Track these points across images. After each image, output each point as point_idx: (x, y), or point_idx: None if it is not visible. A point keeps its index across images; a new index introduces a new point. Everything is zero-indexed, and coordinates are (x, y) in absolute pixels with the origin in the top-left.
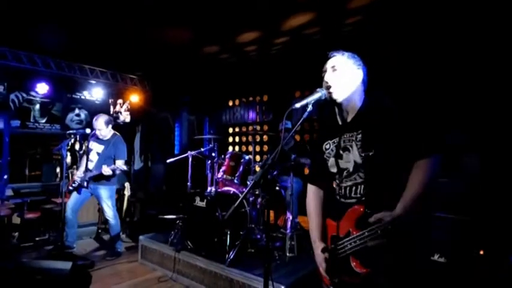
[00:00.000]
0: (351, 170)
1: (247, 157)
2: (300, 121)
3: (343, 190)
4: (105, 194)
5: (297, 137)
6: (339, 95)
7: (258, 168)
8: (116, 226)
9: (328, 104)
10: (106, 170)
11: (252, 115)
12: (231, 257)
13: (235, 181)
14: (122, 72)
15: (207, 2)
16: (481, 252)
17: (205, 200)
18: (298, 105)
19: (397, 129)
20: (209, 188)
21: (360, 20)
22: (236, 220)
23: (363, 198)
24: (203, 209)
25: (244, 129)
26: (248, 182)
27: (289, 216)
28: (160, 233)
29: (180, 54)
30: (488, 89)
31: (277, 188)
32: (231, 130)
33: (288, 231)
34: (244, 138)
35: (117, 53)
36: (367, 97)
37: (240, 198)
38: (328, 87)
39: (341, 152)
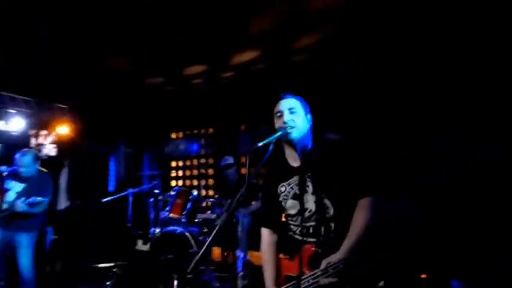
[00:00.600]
0: (313, 210)
1: (195, 193)
2: (264, 160)
3: (304, 229)
4: (26, 242)
5: (243, 170)
6: (297, 135)
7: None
8: (31, 282)
9: (276, 147)
10: (19, 206)
11: (196, 148)
12: None
13: (183, 220)
14: (50, 101)
15: (152, 34)
16: (423, 276)
17: (149, 243)
18: (261, 143)
19: (342, 169)
20: (152, 229)
21: (305, 60)
22: (184, 263)
23: (320, 239)
24: (147, 253)
25: (188, 162)
26: (196, 220)
27: (240, 254)
28: (93, 285)
29: (119, 84)
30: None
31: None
32: (174, 164)
33: (239, 270)
34: (188, 173)
35: (44, 79)
36: (314, 138)
37: (203, 249)
38: (290, 128)
39: (298, 192)
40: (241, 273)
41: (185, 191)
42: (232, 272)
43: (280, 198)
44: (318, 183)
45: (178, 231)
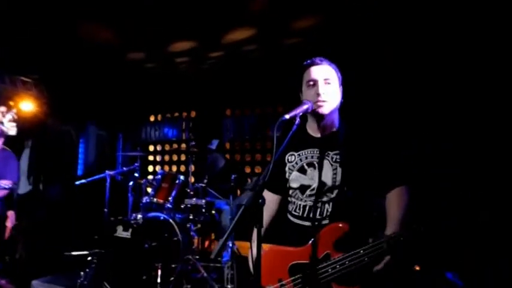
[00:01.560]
0: (316, 188)
1: (182, 178)
2: (290, 134)
3: (300, 209)
4: None
5: (237, 157)
6: (328, 110)
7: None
8: None
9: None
10: None
11: (177, 132)
12: None
13: (168, 205)
14: (12, 73)
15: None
16: (417, 268)
17: (130, 230)
18: (287, 116)
19: (375, 155)
20: (134, 215)
21: (300, 42)
22: (168, 251)
23: (327, 220)
24: (128, 240)
25: (167, 147)
26: (182, 206)
27: (228, 243)
28: (61, 274)
29: (94, 57)
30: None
31: (213, 211)
32: (151, 148)
33: (225, 259)
34: (167, 157)
35: (5, 48)
36: (341, 116)
37: (229, 230)
38: (322, 101)
39: (306, 166)
40: (228, 263)
41: (172, 175)
42: (218, 261)
43: (286, 168)
44: (343, 163)
45: (162, 217)
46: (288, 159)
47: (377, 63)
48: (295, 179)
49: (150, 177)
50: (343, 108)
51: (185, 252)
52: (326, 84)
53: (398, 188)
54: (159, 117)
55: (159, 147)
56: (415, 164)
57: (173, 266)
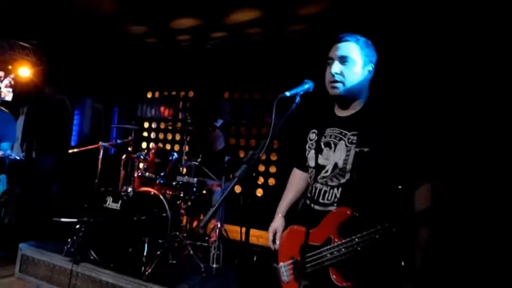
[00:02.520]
0: (330, 170)
1: (176, 154)
2: (288, 113)
3: (314, 192)
4: None
5: (232, 141)
6: (341, 91)
7: (184, 170)
8: None
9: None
10: None
11: (174, 111)
12: (150, 270)
13: (160, 181)
14: (11, 37)
15: None
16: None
17: (120, 201)
18: (288, 93)
19: (400, 143)
20: (125, 187)
21: (305, 29)
22: (156, 226)
23: (334, 206)
24: (116, 211)
25: (162, 125)
26: (174, 183)
27: (218, 224)
28: (49, 241)
29: (96, 27)
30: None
31: (204, 191)
32: (146, 125)
33: (213, 239)
34: (162, 135)
35: (4, 10)
36: (371, 94)
37: (221, 198)
38: (333, 82)
39: (322, 146)
40: (216, 243)
41: (165, 151)
42: (205, 241)
43: (307, 146)
44: (359, 144)
45: (152, 192)
46: (309, 137)
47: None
48: (311, 158)
49: (144, 151)
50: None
51: (173, 229)
52: (342, 64)
53: (426, 185)
54: (157, 94)
55: (154, 125)
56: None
57: (160, 241)
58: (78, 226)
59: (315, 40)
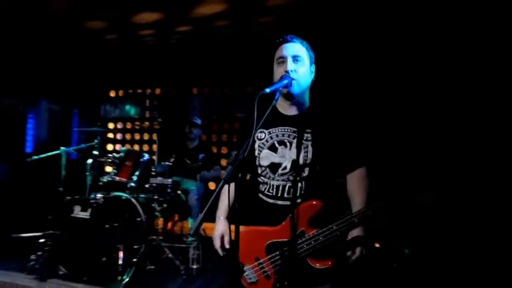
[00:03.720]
0: (288, 166)
1: (147, 156)
2: (268, 110)
3: (274, 189)
4: None
5: (203, 137)
6: (298, 90)
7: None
8: None
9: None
10: None
11: (140, 109)
12: (128, 278)
13: (132, 184)
14: None
15: None
16: (377, 245)
17: (89, 210)
18: (268, 90)
19: (342, 136)
20: (93, 194)
21: (273, 21)
22: (130, 232)
23: (300, 199)
24: (86, 221)
25: (129, 125)
26: (147, 185)
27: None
28: (9, 259)
29: (47, 24)
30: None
31: (178, 191)
32: (111, 126)
33: (190, 239)
34: (129, 136)
35: None
36: (311, 95)
37: (208, 204)
38: (291, 79)
39: (276, 145)
40: (194, 244)
41: (136, 153)
42: (182, 242)
43: (256, 145)
44: (316, 142)
45: (124, 197)
46: (257, 137)
47: (348, 44)
48: (265, 157)
49: (112, 154)
50: (313, 88)
51: (148, 233)
52: (295, 62)
53: (360, 169)
54: (120, 93)
55: (119, 125)
56: (372, 146)
57: (136, 247)
58: (42, 240)
59: (284, 32)
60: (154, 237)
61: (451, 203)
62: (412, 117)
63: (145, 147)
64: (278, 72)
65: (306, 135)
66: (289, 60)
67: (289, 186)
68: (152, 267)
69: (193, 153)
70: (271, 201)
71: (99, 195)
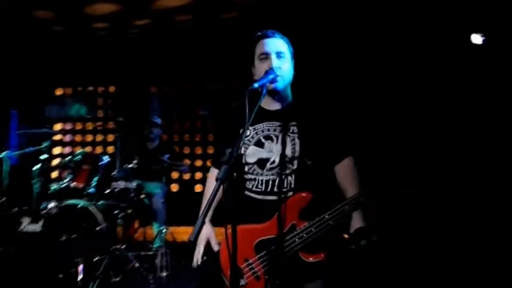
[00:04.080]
0: (276, 161)
1: (106, 159)
2: (256, 108)
3: (263, 185)
4: None
5: (164, 137)
6: (282, 85)
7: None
8: None
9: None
10: None
11: (92, 109)
12: None
13: (90, 190)
14: None
15: None
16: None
17: (41, 221)
18: (256, 85)
19: (327, 126)
20: (44, 204)
21: (237, 17)
22: (90, 243)
23: (291, 192)
24: (37, 234)
25: (79, 125)
26: (107, 191)
27: (163, 228)
28: None
29: None
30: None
31: (142, 196)
32: (59, 127)
33: (157, 245)
34: (79, 138)
35: None
36: (293, 89)
37: (207, 205)
38: (276, 75)
39: (263, 140)
40: (161, 250)
41: (94, 156)
42: (149, 249)
43: (241, 143)
44: (302, 135)
45: (81, 205)
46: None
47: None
48: (251, 154)
49: (67, 159)
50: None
51: (110, 243)
52: (279, 58)
53: (348, 158)
54: (68, 91)
55: (68, 126)
56: (357, 136)
57: (97, 259)
58: None
59: (248, 28)
60: (117, 246)
61: (431, 198)
62: (395, 110)
63: (99, 150)
64: (262, 67)
65: (291, 128)
66: (273, 56)
67: (278, 180)
68: (117, 279)
69: (154, 154)
70: (259, 197)
71: (51, 205)
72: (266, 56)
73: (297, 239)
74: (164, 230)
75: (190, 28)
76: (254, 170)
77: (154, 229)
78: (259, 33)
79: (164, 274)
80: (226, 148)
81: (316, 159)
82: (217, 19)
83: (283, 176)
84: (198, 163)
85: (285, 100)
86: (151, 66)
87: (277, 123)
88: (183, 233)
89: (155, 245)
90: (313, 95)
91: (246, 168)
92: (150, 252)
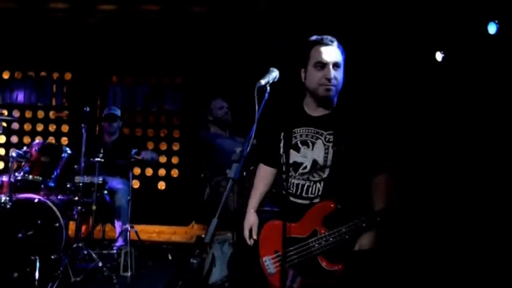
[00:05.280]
0: (308, 166)
1: (68, 151)
2: (262, 105)
3: (294, 188)
4: None
5: (126, 130)
6: (334, 94)
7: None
8: None
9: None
10: None
11: (45, 96)
12: None
13: (50, 184)
14: None
15: None
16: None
17: None
18: (263, 82)
19: (364, 138)
20: None
21: (207, 12)
22: (47, 240)
23: (318, 199)
24: None
25: (28, 114)
26: (69, 185)
27: (127, 227)
28: None
29: None
30: None
31: (104, 191)
32: (5, 113)
33: (120, 244)
34: (28, 127)
35: None
36: (339, 95)
37: (221, 204)
38: (330, 85)
39: (299, 144)
40: (125, 249)
41: (54, 147)
42: (111, 248)
43: (281, 144)
44: (337, 142)
45: (37, 199)
46: (282, 136)
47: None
48: (289, 156)
49: (23, 149)
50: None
51: (70, 240)
52: (335, 69)
53: (384, 173)
54: (18, 75)
55: (16, 113)
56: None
57: (55, 257)
58: None
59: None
60: (78, 244)
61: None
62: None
63: (51, 141)
64: (316, 76)
65: (328, 136)
66: (331, 67)
67: (307, 186)
68: (77, 279)
69: (114, 148)
70: (292, 198)
71: (3, 198)
72: (323, 65)
73: (316, 244)
74: (129, 229)
75: (158, 19)
76: (290, 172)
77: (116, 227)
78: (317, 38)
79: (128, 274)
80: (267, 146)
81: (348, 170)
82: (186, 12)
83: (312, 183)
84: (163, 159)
85: (328, 107)
86: (114, 55)
87: (315, 130)
88: (144, 231)
89: (118, 244)
90: (355, 103)
91: (284, 168)
92: (113, 251)
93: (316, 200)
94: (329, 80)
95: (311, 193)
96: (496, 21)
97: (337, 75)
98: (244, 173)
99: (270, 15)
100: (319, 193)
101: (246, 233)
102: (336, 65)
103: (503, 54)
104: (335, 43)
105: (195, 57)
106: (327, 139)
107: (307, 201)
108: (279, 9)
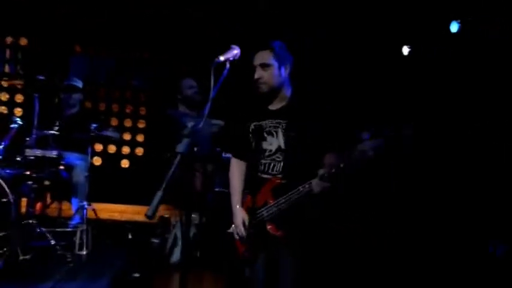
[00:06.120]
0: (273, 150)
1: (19, 121)
2: (221, 79)
3: (262, 166)
4: None
5: (88, 104)
6: (266, 90)
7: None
8: None
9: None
10: None
11: None
12: None
13: None
14: None
15: None
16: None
17: None
18: (222, 58)
19: (319, 123)
20: None
21: None
22: None
23: (280, 175)
24: None
25: None
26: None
27: (84, 204)
28: None
29: None
30: None
31: (60, 167)
32: None
33: (76, 222)
34: None
35: None
36: (294, 87)
37: (166, 179)
38: (259, 83)
39: (265, 135)
40: (81, 228)
41: (2, 116)
42: (65, 225)
43: (251, 136)
44: (288, 129)
45: None
46: (251, 129)
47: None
48: (259, 144)
49: None
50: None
51: (20, 217)
52: (264, 69)
53: (330, 153)
54: None
55: None
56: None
57: (2, 234)
58: None
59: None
60: (28, 221)
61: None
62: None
63: (3, 110)
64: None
65: (284, 125)
66: (258, 68)
67: (273, 165)
68: (27, 257)
69: (73, 121)
70: (259, 174)
71: None
72: (254, 68)
73: (265, 212)
74: (86, 206)
75: None
76: (260, 156)
77: (73, 204)
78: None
79: (84, 252)
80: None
81: (300, 152)
82: None
83: (276, 162)
84: (127, 136)
85: (282, 99)
86: (77, 23)
87: (276, 121)
88: (105, 210)
89: (74, 222)
90: (304, 96)
91: (255, 155)
92: (68, 229)
93: (279, 176)
94: (256, 80)
95: (276, 170)
96: (459, 21)
97: (265, 74)
98: (195, 149)
99: (270, 15)
100: (281, 170)
101: (241, 228)
102: (262, 66)
103: (464, 51)
104: (262, 48)
105: (165, 32)
106: (283, 127)
107: (271, 176)
108: (279, 9)
